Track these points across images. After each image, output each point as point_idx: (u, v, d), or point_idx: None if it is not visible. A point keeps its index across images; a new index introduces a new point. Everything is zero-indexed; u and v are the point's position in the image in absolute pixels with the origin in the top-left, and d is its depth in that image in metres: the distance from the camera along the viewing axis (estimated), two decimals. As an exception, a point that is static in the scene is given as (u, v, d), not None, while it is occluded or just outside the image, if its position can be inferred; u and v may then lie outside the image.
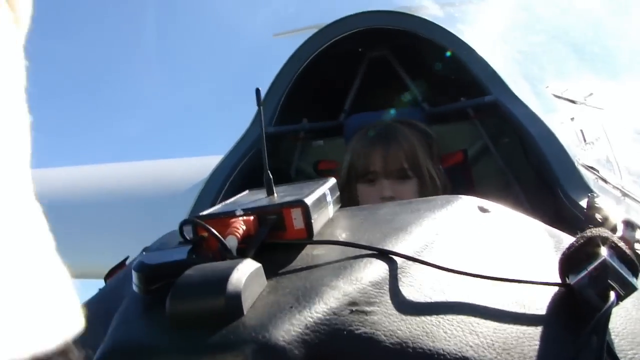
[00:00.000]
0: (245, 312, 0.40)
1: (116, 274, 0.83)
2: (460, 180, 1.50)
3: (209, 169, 1.60)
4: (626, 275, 0.45)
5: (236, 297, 0.40)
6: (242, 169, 1.50)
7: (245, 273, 0.41)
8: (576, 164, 1.25)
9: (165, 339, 0.40)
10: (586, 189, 1.17)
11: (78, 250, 2.82)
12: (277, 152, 1.75)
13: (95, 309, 0.55)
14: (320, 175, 1.73)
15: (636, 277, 0.46)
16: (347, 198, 1.22)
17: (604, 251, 0.46)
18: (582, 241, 0.48)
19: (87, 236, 3.17)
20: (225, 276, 0.40)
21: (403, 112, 1.62)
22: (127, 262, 0.97)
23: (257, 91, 0.60)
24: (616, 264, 0.46)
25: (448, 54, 1.63)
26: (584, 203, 1.09)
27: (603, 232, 0.48)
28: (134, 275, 0.49)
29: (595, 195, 0.82)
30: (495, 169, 1.58)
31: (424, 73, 1.78)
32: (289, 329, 0.39)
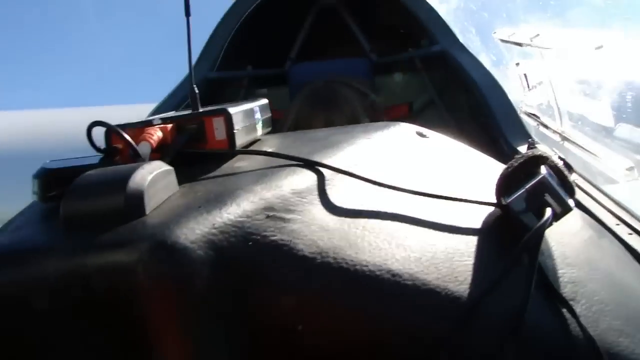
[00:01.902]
0: (147, 212, 0.37)
1: None
2: None
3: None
4: (563, 196, 0.45)
5: (137, 196, 0.37)
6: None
7: (150, 172, 0.39)
8: (518, 112, 1.27)
9: (57, 240, 0.37)
10: (527, 136, 1.20)
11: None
12: (219, 99, 1.70)
13: None
14: None
15: (572, 199, 0.47)
16: None
17: (542, 170, 0.46)
18: (521, 160, 0.47)
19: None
20: (128, 175, 0.37)
21: (350, 62, 1.59)
22: None
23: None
24: (554, 184, 0.46)
25: None
26: (524, 150, 1.13)
27: (544, 152, 0.48)
28: (33, 182, 0.46)
29: (534, 141, 0.84)
30: (440, 121, 1.59)
31: (373, 23, 1.74)
32: (193, 228, 0.36)
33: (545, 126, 1.35)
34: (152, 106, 1.55)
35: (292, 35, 1.78)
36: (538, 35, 2.12)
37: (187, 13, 0.55)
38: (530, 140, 1.06)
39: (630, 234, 0.77)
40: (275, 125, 1.22)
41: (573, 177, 0.96)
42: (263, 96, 1.76)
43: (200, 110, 0.54)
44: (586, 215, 0.63)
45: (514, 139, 1.18)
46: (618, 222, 0.82)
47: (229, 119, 0.49)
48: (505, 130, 1.21)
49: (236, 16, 1.65)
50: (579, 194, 0.94)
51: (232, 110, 0.50)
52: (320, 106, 1.17)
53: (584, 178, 1.01)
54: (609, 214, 0.86)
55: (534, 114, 1.34)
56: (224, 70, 1.64)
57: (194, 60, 1.72)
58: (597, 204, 0.90)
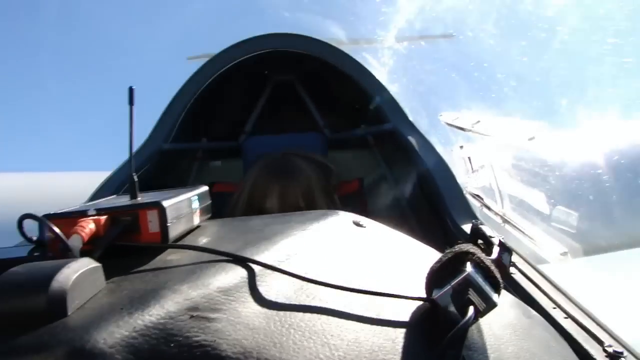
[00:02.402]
0: (69, 313, 0.36)
1: None
2: (355, 208, 1.51)
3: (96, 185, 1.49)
4: (487, 292, 0.46)
5: (60, 296, 0.36)
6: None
7: (76, 271, 0.38)
8: (464, 192, 1.33)
9: None
10: (472, 216, 1.25)
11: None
12: (172, 171, 1.69)
13: None
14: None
15: (498, 294, 0.47)
16: None
17: (468, 267, 0.46)
18: (448, 256, 0.48)
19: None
20: (52, 274, 0.36)
21: (304, 137, 1.63)
22: None
23: (130, 89, 0.56)
24: (479, 280, 0.46)
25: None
26: (468, 228, 1.17)
27: (470, 248, 0.49)
28: None
29: (478, 222, 0.87)
30: (391, 197, 1.63)
31: (327, 99, 1.81)
32: (113, 332, 0.35)
33: (488, 208, 1.42)
34: (104, 174, 1.51)
35: (248, 108, 1.81)
36: (479, 122, 2.28)
37: (131, 102, 0.57)
38: (474, 221, 1.11)
39: (566, 317, 0.80)
40: (229, 196, 1.22)
41: (513, 259, 1.01)
42: (217, 169, 1.76)
43: (139, 198, 0.55)
44: (521, 302, 0.65)
45: (459, 218, 1.22)
46: (554, 305, 0.85)
47: (162, 212, 0.50)
48: (452, 209, 1.26)
49: (193, 89, 1.67)
50: (517, 276, 0.97)
51: (167, 202, 0.51)
52: (276, 177, 1.18)
53: (524, 259, 1.05)
54: (545, 297, 0.89)
55: (478, 195, 1.41)
56: (178, 142, 1.65)
57: (147, 132, 1.69)
58: (534, 287, 0.93)
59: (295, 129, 1.69)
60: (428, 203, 1.46)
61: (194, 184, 1.79)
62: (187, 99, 1.66)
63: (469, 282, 0.45)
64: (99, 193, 1.41)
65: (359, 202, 1.57)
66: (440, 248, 0.65)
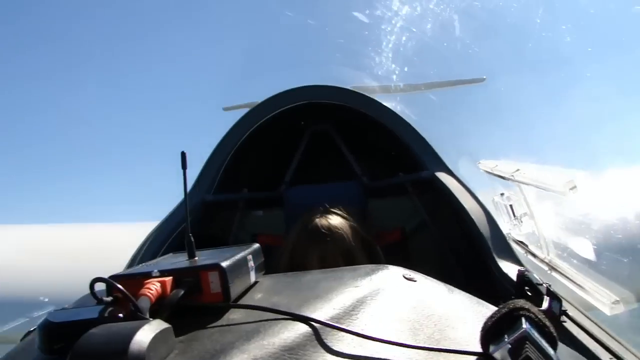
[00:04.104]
0: None
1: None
2: (398, 257, 1.51)
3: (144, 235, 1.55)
4: (545, 347, 0.46)
5: (139, 358, 0.38)
6: (177, 237, 1.47)
7: (151, 333, 0.41)
8: (507, 239, 1.31)
9: None
10: (517, 263, 1.22)
11: None
12: (215, 221, 1.72)
13: None
14: None
15: (555, 349, 0.47)
16: None
17: (524, 323, 0.47)
18: (503, 312, 0.49)
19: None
20: (130, 336, 0.39)
21: (343, 186, 1.65)
22: None
23: (183, 154, 0.61)
24: (535, 336, 0.47)
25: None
26: (514, 276, 1.15)
27: (524, 304, 0.50)
28: (38, 333, 0.47)
29: (524, 269, 0.86)
30: (432, 243, 1.61)
31: (364, 147, 1.83)
32: None
33: (533, 254, 1.39)
34: (151, 224, 1.57)
35: (286, 158, 1.85)
36: (518, 170, 2.26)
37: (184, 166, 0.61)
38: (520, 268, 1.09)
39: None
40: (273, 251, 1.24)
41: (564, 307, 0.98)
42: (259, 218, 1.79)
43: (197, 261, 0.58)
44: (578, 354, 0.63)
45: (504, 265, 1.20)
46: (611, 356, 0.82)
47: (223, 273, 0.52)
48: (497, 255, 1.24)
49: (232, 141, 1.72)
50: (569, 325, 0.94)
51: (226, 263, 0.54)
52: (315, 242, 1.21)
53: (575, 307, 1.02)
54: (601, 347, 0.86)
55: (522, 242, 1.39)
56: (220, 193, 1.69)
57: (191, 183, 1.74)
58: (588, 336, 0.90)
59: (334, 177, 1.72)
60: (471, 250, 1.44)
61: (237, 234, 1.81)
62: (227, 151, 1.71)
63: (526, 338, 0.46)
64: (148, 245, 1.46)
65: (402, 251, 1.56)
66: (485, 296, 0.65)
